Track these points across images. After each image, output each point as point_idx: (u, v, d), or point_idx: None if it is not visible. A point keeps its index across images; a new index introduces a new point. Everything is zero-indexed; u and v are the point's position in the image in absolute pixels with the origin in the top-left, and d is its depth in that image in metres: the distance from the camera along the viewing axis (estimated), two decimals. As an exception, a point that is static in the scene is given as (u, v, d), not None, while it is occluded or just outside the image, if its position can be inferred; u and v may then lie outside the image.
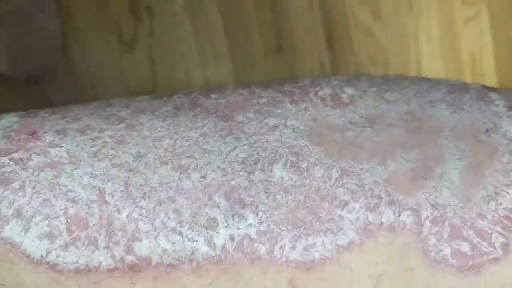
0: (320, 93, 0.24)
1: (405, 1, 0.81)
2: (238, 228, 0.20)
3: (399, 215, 0.21)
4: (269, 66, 0.80)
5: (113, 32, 0.76)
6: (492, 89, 0.25)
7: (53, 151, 0.21)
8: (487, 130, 0.23)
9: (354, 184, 0.21)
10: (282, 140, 0.22)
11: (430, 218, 0.21)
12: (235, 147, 0.22)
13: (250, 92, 0.24)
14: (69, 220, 0.20)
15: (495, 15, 0.82)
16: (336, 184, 0.21)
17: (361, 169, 0.22)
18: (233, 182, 0.21)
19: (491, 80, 0.84)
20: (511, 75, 0.85)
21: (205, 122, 0.22)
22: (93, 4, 0.75)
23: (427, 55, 0.83)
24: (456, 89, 0.24)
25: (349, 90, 0.24)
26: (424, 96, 0.24)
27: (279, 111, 0.23)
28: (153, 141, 0.22)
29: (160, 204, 0.21)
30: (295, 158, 0.22)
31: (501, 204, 0.21)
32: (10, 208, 0.19)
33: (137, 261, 0.20)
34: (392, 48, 0.82)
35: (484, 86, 0.25)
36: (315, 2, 0.80)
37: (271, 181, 0.21)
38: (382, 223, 0.21)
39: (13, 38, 0.68)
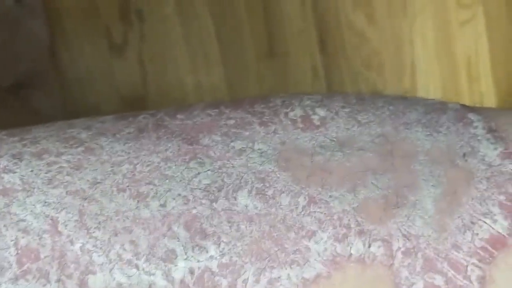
0: (291, 114, 0.23)
1: (400, 4, 0.80)
2: (199, 261, 0.19)
3: (369, 246, 0.20)
4: (261, 70, 0.79)
5: (102, 36, 0.75)
6: (471, 108, 0.23)
7: (6, 177, 0.20)
8: (464, 155, 0.21)
9: (322, 212, 0.20)
10: (249, 165, 0.21)
11: (402, 249, 0.20)
12: (199, 173, 0.21)
13: (218, 113, 0.23)
14: (19, 251, 0.19)
15: (491, 17, 0.81)
16: (303, 212, 0.20)
17: (330, 196, 0.20)
18: (194, 211, 0.20)
19: (487, 83, 0.83)
20: (507, 78, 0.84)
21: (169, 145, 0.21)
22: (82, 9, 0.74)
23: (422, 59, 0.82)
24: (433, 109, 0.23)
25: (321, 111, 0.23)
26: (399, 118, 0.22)
27: (247, 133, 0.22)
28: (111, 166, 0.21)
29: (116, 234, 0.20)
30: (261, 184, 0.21)
31: (477, 234, 0.20)
32: None
33: None
34: (386, 51, 0.81)
35: (463, 106, 0.24)
36: (307, 5, 0.79)
37: (235, 209, 0.20)
38: (351, 254, 0.20)
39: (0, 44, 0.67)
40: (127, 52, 0.75)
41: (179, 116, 0.23)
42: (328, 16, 0.81)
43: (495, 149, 0.22)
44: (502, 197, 0.21)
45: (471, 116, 0.23)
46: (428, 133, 0.22)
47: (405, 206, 0.20)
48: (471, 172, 0.21)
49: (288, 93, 0.25)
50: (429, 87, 0.85)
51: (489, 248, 0.20)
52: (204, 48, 0.78)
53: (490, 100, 0.84)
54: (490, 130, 0.22)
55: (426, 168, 0.21)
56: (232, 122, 0.22)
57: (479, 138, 0.22)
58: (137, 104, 0.76)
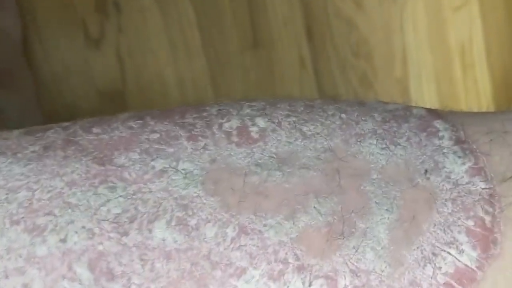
0: (226, 125, 0.19)
1: (389, -11, 0.76)
2: None
3: (310, 285, 0.17)
4: (245, 61, 0.76)
5: (78, 29, 0.71)
6: (438, 115, 0.20)
7: None
8: (426, 171, 0.18)
9: (254, 245, 0.17)
10: (170, 189, 0.18)
11: (350, 287, 0.17)
12: (108, 200, 0.17)
13: (141, 125, 0.19)
14: None
15: (485, 3, 0.77)
16: (232, 246, 0.17)
17: (265, 225, 0.17)
18: (100, 247, 0.17)
19: (482, 70, 0.79)
20: (503, 64, 0.80)
21: (76, 166, 0.18)
22: (56, 0, 0.71)
23: (413, 46, 0.78)
24: (394, 116, 0.20)
25: (261, 122, 0.19)
26: (351, 128, 0.19)
27: (171, 150, 0.19)
28: (6, 193, 0.18)
29: (7, 277, 0.16)
30: (183, 213, 0.17)
31: (440, 268, 0.17)
32: None
33: None
34: (376, 39, 0.77)
35: (429, 112, 0.20)
36: (293, -8, 0.75)
37: (150, 244, 0.17)
38: None
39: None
40: (104, 46, 0.72)
41: (95, 129, 0.20)
42: (314, 3, 0.78)
43: (463, 164, 0.18)
44: (470, 223, 0.17)
45: (437, 124, 0.20)
46: (384, 146, 0.19)
47: (354, 236, 0.17)
48: (434, 192, 0.18)
49: (231, 99, 0.21)
50: (422, 75, 0.82)
51: (455, 284, 0.17)
52: (185, 39, 0.75)
53: (485, 88, 0.81)
54: (458, 141, 0.19)
55: (379, 189, 0.18)
56: (155, 136, 0.19)
57: (444, 151, 0.19)
58: (116, 99, 0.73)
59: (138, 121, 0.20)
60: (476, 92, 0.82)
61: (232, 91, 0.76)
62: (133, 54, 0.73)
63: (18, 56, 0.68)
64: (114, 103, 0.73)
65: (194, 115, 0.20)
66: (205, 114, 0.20)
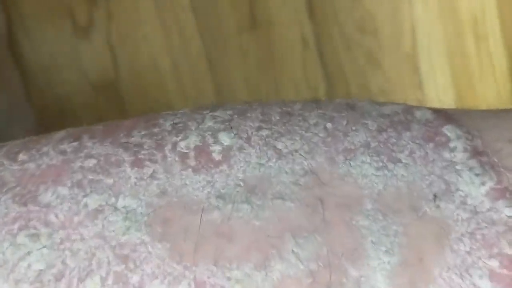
0: (181, 145, 0.15)
1: (395, -42, 0.72)
2: None
3: None
4: (243, 43, 0.72)
5: (65, 18, 0.67)
6: (449, 118, 0.16)
7: None
8: (435, 197, 0.14)
9: None
10: (106, 234, 0.14)
11: None
12: (29, 253, 0.14)
13: (76, 148, 0.16)
14: None
15: (498, -32, 0.72)
16: None
17: (229, 279, 0.13)
18: (16, 318, 0.13)
19: (496, 43, 0.75)
20: (519, 35, 0.75)
21: (-7, 208, 0.14)
22: (40, -12, 0.67)
23: (423, 19, 0.74)
24: (391, 123, 0.16)
25: (226, 138, 0.15)
26: (339, 142, 0.15)
27: (110, 181, 0.15)
28: None
29: None
30: (123, 266, 0.14)
31: None
32: None
33: None
34: (382, 14, 0.73)
35: (437, 114, 0.16)
36: (291, -33, 0.70)
37: (81, 310, 0.13)
38: None
39: None
40: (93, 34, 0.68)
41: (21, 156, 0.16)
42: (314, -22, 0.73)
43: (482, 184, 0.14)
44: (494, 263, 0.14)
45: (447, 131, 0.15)
46: (381, 164, 0.15)
47: (345, 287, 0.13)
48: (446, 224, 0.14)
49: (191, 108, 0.17)
50: (432, 50, 0.77)
51: None
52: (179, 23, 0.70)
53: (501, 61, 0.77)
54: (475, 153, 0.15)
55: (375, 224, 0.14)
56: (92, 162, 0.15)
57: (457, 167, 0.15)
58: (109, 90, 0.69)
59: (73, 143, 0.16)
60: (491, 66, 0.77)
61: (232, 76, 0.72)
62: (125, 41, 0.69)
63: (2, 50, 0.64)
64: (107, 93, 0.70)
65: (143, 132, 0.16)
66: (156, 130, 0.16)
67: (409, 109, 0.17)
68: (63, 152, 0.16)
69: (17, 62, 0.66)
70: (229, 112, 0.17)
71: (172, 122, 0.16)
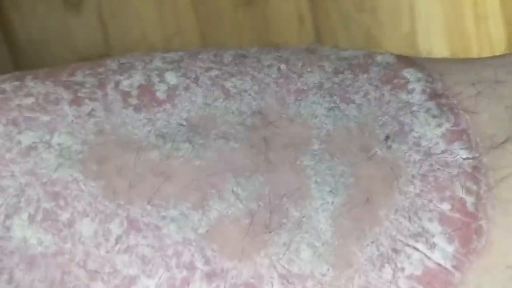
0: (124, 83, 0.15)
1: None
2: None
3: None
4: (239, 18, 0.71)
5: (56, -9, 0.66)
6: (411, 61, 0.15)
7: None
8: (387, 137, 0.13)
9: (149, 245, 0.13)
10: (37, 171, 0.13)
11: None
12: None
13: (17, 87, 0.15)
14: None
15: None
16: (117, 248, 0.13)
17: (163, 218, 0.13)
18: None
19: (496, 23, 0.74)
20: (519, 15, 0.74)
21: None
22: (31, -40, 0.66)
23: (421, -3, 0.73)
24: (349, 66, 0.15)
25: (172, 78, 0.15)
26: (291, 82, 0.14)
27: (47, 118, 0.14)
28: None
29: None
30: (52, 204, 0.13)
31: (403, 269, 0.12)
32: None
33: None
34: (379, -9, 0.72)
35: (399, 58, 0.15)
36: None
37: (6, 247, 0.13)
38: None
39: None
40: (84, 9, 0.67)
41: None
42: (311, -47, 0.72)
43: (438, 125, 0.14)
44: (445, 206, 0.13)
45: (407, 73, 0.15)
46: (332, 105, 0.14)
47: (284, 228, 0.13)
48: (397, 166, 0.13)
49: (144, 52, 0.17)
50: (431, 29, 0.77)
51: (424, 292, 0.12)
52: (172, -3, 0.69)
53: (500, 42, 0.76)
54: (433, 96, 0.14)
55: (321, 164, 0.13)
56: (30, 101, 0.15)
57: (414, 108, 0.14)
58: (101, 65, 0.68)
59: (15, 83, 0.15)
60: (490, 46, 0.77)
61: (225, 52, 0.71)
62: (116, 15, 0.68)
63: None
64: (100, 69, 0.69)
65: (88, 72, 0.15)
66: (101, 69, 0.15)
67: (371, 54, 0.16)
68: (3, 91, 0.15)
69: (5, 36, 0.65)
70: (180, 53, 0.16)
71: (119, 62, 0.16)
